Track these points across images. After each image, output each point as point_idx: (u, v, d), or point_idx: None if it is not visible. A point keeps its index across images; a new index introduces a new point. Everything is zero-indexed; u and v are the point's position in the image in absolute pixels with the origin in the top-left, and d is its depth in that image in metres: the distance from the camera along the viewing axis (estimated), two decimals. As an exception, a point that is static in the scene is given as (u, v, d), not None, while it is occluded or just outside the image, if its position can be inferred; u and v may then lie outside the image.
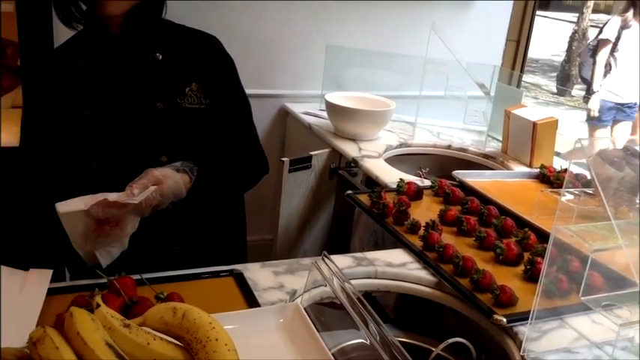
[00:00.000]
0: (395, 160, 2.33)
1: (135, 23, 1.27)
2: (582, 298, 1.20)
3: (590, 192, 1.69)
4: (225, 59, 1.41)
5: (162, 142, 1.32)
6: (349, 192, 1.81)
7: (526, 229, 1.56)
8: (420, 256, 1.44)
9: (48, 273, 1.17)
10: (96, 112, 1.27)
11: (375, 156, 2.24)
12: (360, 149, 2.29)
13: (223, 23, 2.45)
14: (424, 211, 1.73)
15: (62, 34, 1.89)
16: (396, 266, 1.41)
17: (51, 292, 1.15)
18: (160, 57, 1.31)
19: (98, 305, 0.80)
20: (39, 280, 1.14)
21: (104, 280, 1.15)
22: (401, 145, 2.43)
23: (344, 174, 2.29)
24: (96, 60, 1.29)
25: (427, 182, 1.94)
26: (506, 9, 3.09)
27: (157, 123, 1.31)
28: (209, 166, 1.33)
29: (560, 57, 11.33)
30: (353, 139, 2.36)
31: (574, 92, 10.76)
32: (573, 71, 10.41)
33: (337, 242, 2.27)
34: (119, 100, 1.29)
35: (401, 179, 1.83)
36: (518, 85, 2.71)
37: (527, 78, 11.29)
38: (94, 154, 1.30)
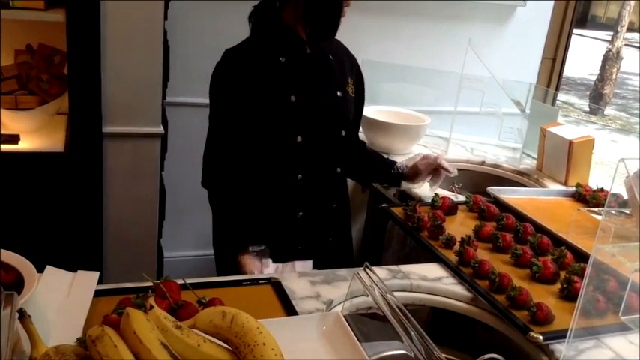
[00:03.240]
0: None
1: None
2: (622, 318, 1.19)
3: (627, 212, 1.68)
4: (359, 70, 1.77)
5: (342, 121, 1.67)
6: (384, 205, 1.83)
7: (562, 248, 1.55)
8: (455, 271, 1.45)
9: (95, 275, 1.21)
10: (299, 97, 1.57)
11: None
12: (393, 163, 2.30)
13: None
14: (458, 227, 1.74)
15: (110, 43, 1.96)
16: (431, 280, 1.43)
17: (97, 294, 1.19)
18: (332, 58, 1.65)
19: (152, 306, 0.83)
20: (87, 282, 1.18)
21: (148, 284, 1.19)
22: (434, 160, 2.43)
23: (377, 187, 2.30)
24: (291, 57, 1.59)
25: (461, 197, 1.95)
26: (542, 27, 3.08)
27: (339, 106, 1.65)
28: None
29: (593, 76, 11.22)
30: (387, 152, 2.38)
31: (607, 111, 10.63)
32: (606, 90, 10.29)
33: (369, 254, 2.28)
34: (314, 88, 1.61)
35: (436, 194, 1.85)
36: (554, 103, 2.71)
37: (560, 96, 11.19)
38: (297, 129, 1.58)
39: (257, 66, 1.57)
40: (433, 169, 1.85)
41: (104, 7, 1.91)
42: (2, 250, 1.14)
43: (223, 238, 1.68)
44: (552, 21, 3.13)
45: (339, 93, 1.64)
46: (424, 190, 1.99)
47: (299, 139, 1.58)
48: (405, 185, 1.93)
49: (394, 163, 1.88)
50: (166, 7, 2.07)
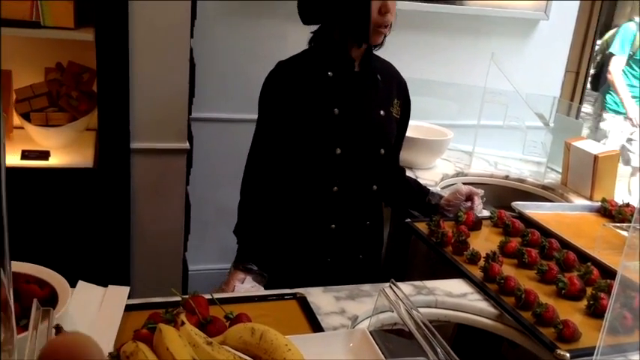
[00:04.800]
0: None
1: (367, 56, 1.67)
2: (651, 336, 1.18)
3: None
4: (407, 94, 1.81)
5: (382, 139, 1.69)
6: (408, 220, 1.83)
7: (588, 264, 1.54)
8: (480, 287, 1.45)
9: (125, 290, 1.23)
10: (342, 111, 1.62)
11: (432, 185, 2.25)
12: (416, 177, 2.31)
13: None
14: (483, 242, 1.74)
15: (137, 60, 2.00)
16: (456, 296, 1.43)
17: (126, 308, 1.21)
18: (380, 78, 1.69)
19: (183, 323, 0.85)
20: (117, 297, 1.21)
21: (176, 298, 1.21)
22: (457, 175, 2.44)
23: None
24: (339, 73, 1.64)
25: (485, 212, 1.95)
26: (565, 40, 3.07)
27: (380, 124, 1.68)
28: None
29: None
30: (410, 167, 2.38)
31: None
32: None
33: (392, 269, 2.28)
34: (357, 104, 1.65)
35: (460, 209, 1.85)
36: (578, 117, 2.69)
37: (585, 108, 11.07)
38: (337, 141, 1.62)
39: (305, 78, 1.63)
40: (469, 198, 1.90)
41: (132, 26, 1.96)
42: (36, 266, 1.17)
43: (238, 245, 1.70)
44: (575, 34, 3.12)
45: (382, 112, 1.68)
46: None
47: (338, 151, 1.62)
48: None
49: (428, 191, 1.91)
50: (192, 26, 2.11)
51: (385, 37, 1.66)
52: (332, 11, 1.59)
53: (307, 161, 1.65)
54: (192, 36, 2.12)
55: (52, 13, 1.90)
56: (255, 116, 1.68)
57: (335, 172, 1.64)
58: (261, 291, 1.54)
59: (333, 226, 1.67)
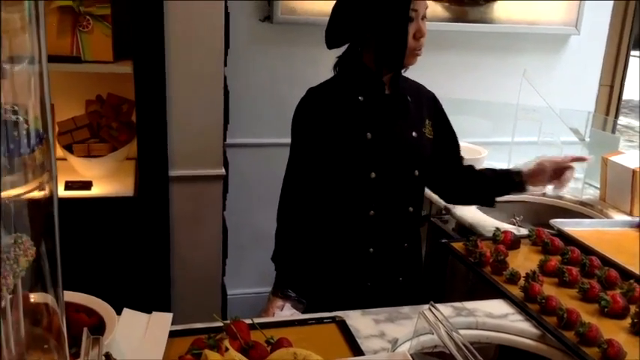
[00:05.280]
0: (486, 208, 2.32)
1: (396, 79, 1.68)
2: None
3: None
4: (441, 109, 1.81)
5: (415, 160, 1.69)
6: (444, 240, 1.83)
7: (631, 281, 1.52)
8: (521, 307, 1.44)
9: (169, 316, 1.26)
10: (375, 135, 1.63)
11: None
12: (451, 197, 2.30)
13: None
14: (522, 261, 1.72)
15: (174, 90, 2.06)
16: (497, 317, 1.42)
17: (169, 335, 1.24)
18: (410, 99, 1.70)
19: (227, 349, 0.87)
20: (161, 323, 1.23)
21: (218, 324, 1.23)
22: (493, 193, 2.42)
23: (435, 221, 2.30)
24: (369, 97, 1.65)
25: (522, 231, 1.93)
26: (598, 53, 3.04)
27: (413, 146, 1.68)
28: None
29: (654, 97, 10.86)
30: (444, 186, 2.37)
31: (672, 133, 10.24)
32: (670, 112, 9.94)
33: (431, 290, 2.26)
34: (389, 127, 1.66)
35: (497, 228, 1.84)
36: (614, 131, 2.65)
37: (620, 120, 10.88)
38: (372, 165, 1.63)
39: (336, 104, 1.65)
40: (557, 171, 1.80)
41: (168, 57, 2.02)
42: (83, 295, 1.21)
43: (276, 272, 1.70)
44: (608, 47, 3.08)
45: (414, 134, 1.68)
46: (485, 223, 1.98)
47: (373, 175, 1.63)
48: (528, 190, 1.87)
49: (508, 171, 1.86)
50: (226, 55, 2.16)
51: None
52: (367, 36, 1.60)
53: (342, 186, 1.66)
54: (225, 64, 2.17)
55: (92, 47, 1.98)
56: (289, 140, 1.71)
57: (371, 196, 1.64)
58: (300, 315, 1.55)
59: (372, 249, 1.67)
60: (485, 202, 1.92)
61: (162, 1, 1.95)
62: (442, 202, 2.22)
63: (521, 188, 1.81)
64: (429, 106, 1.77)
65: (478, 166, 2.43)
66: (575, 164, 1.82)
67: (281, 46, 2.61)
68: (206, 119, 2.14)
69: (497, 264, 1.61)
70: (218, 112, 2.16)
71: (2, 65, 0.58)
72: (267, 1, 2.50)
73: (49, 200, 0.72)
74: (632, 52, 3.41)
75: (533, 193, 2.40)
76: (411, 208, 1.70)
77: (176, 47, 2.03)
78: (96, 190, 2.09)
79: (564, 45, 2.94)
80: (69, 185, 2.07)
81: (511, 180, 1.81)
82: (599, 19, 2.96)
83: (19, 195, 0.63)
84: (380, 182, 1.64)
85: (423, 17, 1.59)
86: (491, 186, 1.84)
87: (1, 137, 0.56)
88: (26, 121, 0.60)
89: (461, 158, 1.86)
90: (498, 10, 2.73)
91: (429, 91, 1.81)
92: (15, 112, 0.59)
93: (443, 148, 1.78)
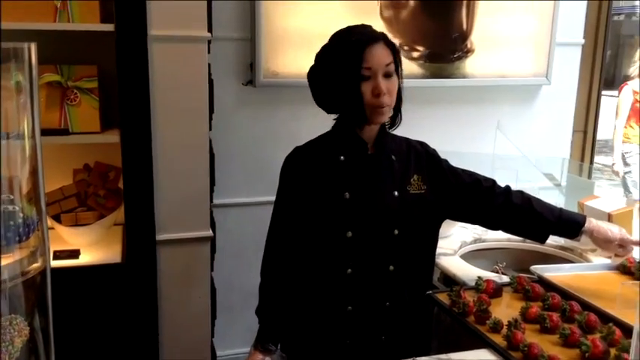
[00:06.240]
0: (470, 256, 2.37)
1: (381, 138, 1.72)
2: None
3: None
4: (432, 156, 1.82)
5: (396, 219, 1.70)
6: (429, 292, 1.86)
7: (610, 325, 1.55)
8: (505, 356, 1.46)
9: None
10: (353, 195, 1.66)
11: (451, 253, 2.29)
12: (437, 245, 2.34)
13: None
14: (505, 309, 1.75)
15: (160, 156, 2.12)
16: (481, 367, 1.44)
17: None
18: (395, 158, 1.72)
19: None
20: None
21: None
22: (475, 241, 2.47)
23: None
24: (351, 157, 1.69)
25: (505, 278, 1.97)
26: (570, 99, 3.15)
27: (393, 206, 1.69)
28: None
29: (633, 136, 11.07)
30: (428, 237, 2.42)
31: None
32: (647, 150, 10.13)
33: (416, 343, 2.28)
34: (369, 188, 1.68)
35: (479, 277, 1.87)
36: (590, 176, 2.73)
37: (600, 159, 11.06)
38: (348, 224, 1.65)
39: (319, 163, 1.70)
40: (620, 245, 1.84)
41: (154, 124, 2.08)
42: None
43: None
44: (579, 92, 3.20)
45: (396, 193, 1.70)
46: (468, 272, 2.02)
47: (349, 234, 1.65)
48: (582, 244, 1.89)
49: (573, 218, 1.84)
50: (211, 119, 2.24)
51: (399, 115, 1.73)
52: (329, 98, 1.67)
53: (320, 244, 1.69)
54: (210, 128, 2.24)
55: (80, 120, 2.04)
56: (275, 197, 1.76)
57: (347, 254, 1.67)
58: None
59: (350, 308, 1.69)
60: (536, 238, 1.91)
61: (148, 71, 2.02)
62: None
63: (580, 237, 1.82)
64: (418, 161, 1.78)
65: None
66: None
67: (264, 108, 2.69)
68: (192, 183, 2.20)
69: (481, 313, 1.64)
70: (204, 175, 2.21)
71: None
72: (250, 66, 2.59)
73: (42, 279, 0.76)
74: (604, 92, 3.54)
75: (513, 239, 2.45)
76: (391, 267, 1.71)
77: (162, 114, 2.10)
78: (84, 259, 2.11)
79: (536, 94, 3.05)
80: (57, 255, 2.10)
81: (572, 225, 1.82)
82: (568, 66, 3.09)
83: (14, 277, 0.68)
84: (357, 241, 1.66)
85: (389, 75, 1.61)
86: (547, 226, 1.83)
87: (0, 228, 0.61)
88: (22, 210, 0.65)
89: (487, 186, 1.83)
90: (471, 64, 2.85)
91: (419, 144, 1.83)
92: (12, 202, 0.64)
93: (451, 195, 1.79)
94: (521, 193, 1.87)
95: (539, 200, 1.88)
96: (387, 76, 1.61)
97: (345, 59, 1.59)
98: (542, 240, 1.89)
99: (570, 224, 1.84)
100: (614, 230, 1.85)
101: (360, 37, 1.61)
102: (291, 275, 1.72)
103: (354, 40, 1.60)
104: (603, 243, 1.84)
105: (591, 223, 1.83)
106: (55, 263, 2.06)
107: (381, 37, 1.63)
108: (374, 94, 1.59)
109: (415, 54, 2.74)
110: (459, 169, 1.86)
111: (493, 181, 1.88)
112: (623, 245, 1.85)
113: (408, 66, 2.72)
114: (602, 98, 3.50)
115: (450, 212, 1.84)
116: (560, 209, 1.87)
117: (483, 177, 1.87)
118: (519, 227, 1.89)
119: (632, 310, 1.64)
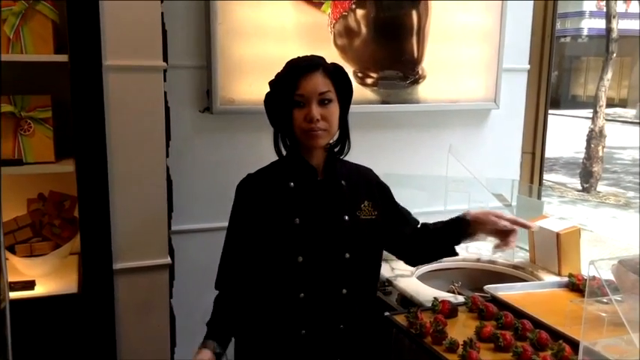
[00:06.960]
0: (427, 277, 2.42)
1: (330, 164, 1.79)
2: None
3: (620, 298, 1.75)
4: (380, 183, 1.91)
5: (347, 243, 1.75)
6: (387, 314, 1.90)
7: (560, 342, 1.61)
8: (460, 375, 1.51)
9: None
10: (303, 220, 1.71)
11: (408, 274, 2.34)
12: (392, 269, 2.39)
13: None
14: (461, 329, 1.80)
15: (116, 184, 2.10)
16: (438, 387, 1.48)
17: None
18: (344, 183, 1.78)
19: None
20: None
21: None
22: (431, 261, 2.52)
23: (379, 294, 2.37)
24: (301, 183, 1.75)
25: (461, 298, 2.02)
26: (518, 122, 3.25)
27: (344, 229, 1.75)
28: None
29: (580, 154, 11.50)
30: (385, 259, 2.46)
31: (600, 188, 10.80)
32: (595, 168, 10.52)
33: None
34: (319, 213, 1.74)
35: (435, 298, 1.92)
36: (539, 197, 2.83)
37: (551, 177, 11.43)
38: (299, 249, 1.70)
39: (269, 189, 1.76)
40: (501, 231, 1.82)
41: (110, 153, 2.06)
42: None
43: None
44: (527, 116, 3.31)
45: (346, 217, 1.75)
46: (425, 293, 2.06)
47: (300, 259, 1.70)
48: (465, 243, 1.91)
49: (457, 217, 1.88)
50: (168, 146, 2.24)
51: (347, 142, 1.80)
52: (272, 123, 1.78)
53: (272, 269, 1.74)
54: (167, 155, 2.24)
55: (34, 150, 2.02)
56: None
57: (299, 279, 1.71)
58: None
59: (304, 331, 1.72)
60: (446, 253, 1.95)
61: (103, 101, 2.02)
62: (384, 275, 2.31)
63: (472, 231, 1.83)
64: (368, 187, 1.86)
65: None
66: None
67: (221, 135, 2.70)
68: (149, 210, 2.19)
69: (437, 334, 1.68)
70: (161, 202, 2.21)
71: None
72: (207, 93, 2.61)
73: (1, 316, 0.76)
74: (551, 112, 3.68)
75: (468, 259, 2.52)
76: (344, 290, 1.76)
77: (118, 142, 2.09)
78: (39, 290, 2.07)
79: (486, 118, 3.15)
80: (11, 286, 2.05)
81: (460, 224, 1.85)
82: (516, 90, 3.21)
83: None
84: (308, 266, 1.71)
85: (326, 102, 1.69)
86: (445, 237, 1.88)
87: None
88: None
89: (414, 224, 1.94)
90: (423, 90, 2.93)
91: (369, 172, 1.92)
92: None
93: (391, 222, 1.88)
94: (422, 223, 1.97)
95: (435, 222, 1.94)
96: (324, 102, 1.69)
97: (281, 86, 1.71)
98: (451, 251, 1.91)
99: (457, 220, 1.87)
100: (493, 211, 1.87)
101: (297, 65, 1.72)
102: (243, 297, 1.76)
103: (289, 68, 1.73)
104: (486, 220, 1.82)
105: (470, 212, 1.88)
106: (10, 295, 2.01)
107: (321, 66, 1.71)
108: (306, 120, 1.68)
109: (369, 80, 2.81)
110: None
111: (417, 221, 1.97)
112: (503, 232, 1.83)
113: (362, 92, 2.78)
114: (550, 117, 3.64)
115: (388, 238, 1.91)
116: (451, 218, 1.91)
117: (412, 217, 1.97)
118: (426, 248, 1.94)
119: (580, 327, 1.70)
